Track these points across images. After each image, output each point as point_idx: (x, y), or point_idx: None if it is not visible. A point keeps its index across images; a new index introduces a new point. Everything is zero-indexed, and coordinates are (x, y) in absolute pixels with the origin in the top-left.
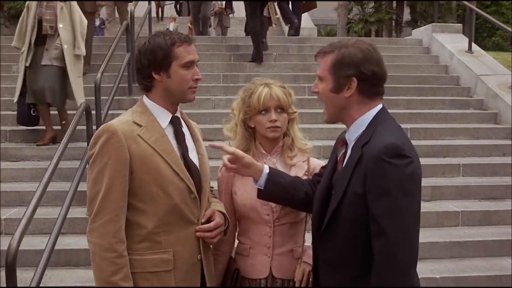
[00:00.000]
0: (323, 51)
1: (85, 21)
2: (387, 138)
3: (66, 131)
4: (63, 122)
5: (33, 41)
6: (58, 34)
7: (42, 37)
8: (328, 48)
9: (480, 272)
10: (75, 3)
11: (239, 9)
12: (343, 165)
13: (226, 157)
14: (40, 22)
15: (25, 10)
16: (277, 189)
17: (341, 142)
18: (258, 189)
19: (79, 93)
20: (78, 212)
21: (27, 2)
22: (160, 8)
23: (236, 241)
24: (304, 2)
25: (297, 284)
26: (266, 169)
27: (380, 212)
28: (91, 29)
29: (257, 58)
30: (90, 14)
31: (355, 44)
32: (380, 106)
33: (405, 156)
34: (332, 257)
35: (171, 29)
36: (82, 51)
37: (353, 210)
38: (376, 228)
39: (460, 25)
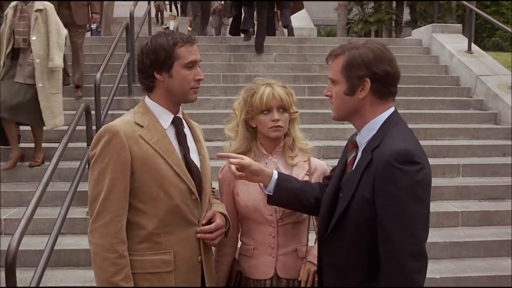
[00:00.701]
0: (333, 54)
1: (64, 32)
2: (397, 143)
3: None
4: (33, 158)
5: (7, 55)
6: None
7: (17, 51)
8: (338, 50)
9: (480, 272)
10: (52, 11)
11: None
12: (353, 168)
13: (233, 166)
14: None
15: (4, 20)
16: (286, 195)
17: (352, 145)
18: (268, 194)
19: (55, 112)
20: (78, 212)
21: (5, 12)
22: (159, 12)
23: (239, 242)
24: (292, 3)
25: (302, 284)
26: (275, 175)
27: (388, 218)
28: (80, 44)
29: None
30: (80, 28)
31: (365, 44)
32: (392, 109)
33: (416, 162)
34: (338, 260)
35: (171, 27)
36: (56, 63)
37: (361, 214)
38: (383, 234)
39: (460, 25)
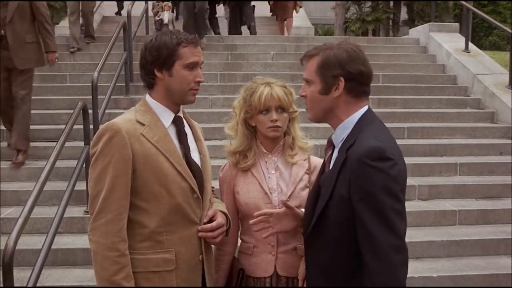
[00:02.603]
0: (308, 55)
1: None
2: (369, 141)
3: None
4: None
5: None
6: None
7: None
8: (313, 51)
9: (477, 271)
10: None
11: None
12: (330, 168)
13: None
14: None
15: None
16: None
17: (328, 143)
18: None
19: None
20: (75, 211)
21: None
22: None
23: (239, 240)
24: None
25: (300, 283)
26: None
27: (366, 215)
28: (25, 97)
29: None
30: (24, 74)
31: (340, 45)
32: (365, 107)
33: (388, 158)
34: (320, 258)
35: (165, 19)
36: None
37: (340, 213)
38: (363, 231)
39: (457, 24)
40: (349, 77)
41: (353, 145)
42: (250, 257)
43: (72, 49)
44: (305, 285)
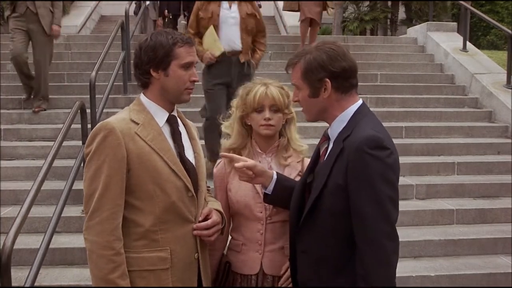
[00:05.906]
0: (291, 63)
1: None
2: (368, 131)
3: None
4: None
5: None
6: None
7: None
8: (294, 59)
9: (474, 270)
10: None
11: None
12: (325, 159)
13: (239, 164)
14: None
15: None
16: (284, 192)
17: (324, 137)
18: (265, 194)
19: None
20: (73, 210)
21: None
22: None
23: (229, 237)
24: None
25: (281, 280)
26: (275, 175)
27: (362, 202)
28: None
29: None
30: None
31: (317, 47)
32: (360, 102)
33: (385, 147)
34: (312, 248)
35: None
36: None
37: (334, 202)
38: (358, 218)
39: (455, 23)
40: (334, 76)
41: (349, 136)
42: (238, 254)
43: (36, 110)
44: (289, 285)
